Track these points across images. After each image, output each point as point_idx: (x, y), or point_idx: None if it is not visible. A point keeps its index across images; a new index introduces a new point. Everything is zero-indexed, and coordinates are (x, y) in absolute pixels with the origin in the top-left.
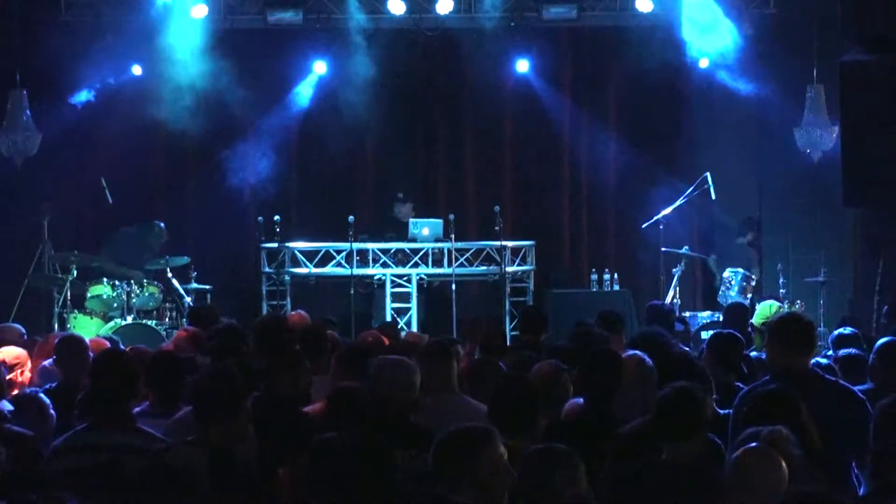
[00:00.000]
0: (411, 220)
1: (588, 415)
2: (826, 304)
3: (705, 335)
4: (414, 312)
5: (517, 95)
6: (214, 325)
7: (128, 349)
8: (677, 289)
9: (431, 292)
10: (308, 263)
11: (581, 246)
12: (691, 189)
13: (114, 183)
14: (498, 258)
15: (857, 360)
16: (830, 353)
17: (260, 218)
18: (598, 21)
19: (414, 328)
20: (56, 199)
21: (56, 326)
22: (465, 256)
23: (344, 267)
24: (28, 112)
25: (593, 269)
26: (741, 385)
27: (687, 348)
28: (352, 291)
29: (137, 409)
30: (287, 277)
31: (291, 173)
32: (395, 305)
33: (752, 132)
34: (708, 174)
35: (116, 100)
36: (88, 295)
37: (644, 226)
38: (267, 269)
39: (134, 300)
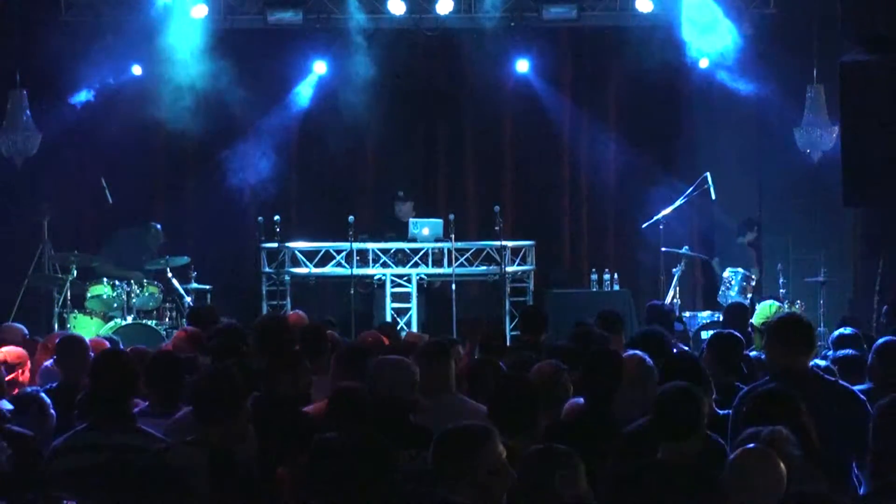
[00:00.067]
0: (411, 219)
1: (588, 415)
2: (826, 304)
3: (705, 335)
4: (414, 312)
5: (517, 95)
6: (214, 325)
7: (128, 349)
8: (677, 289)
9: (432, 293)
10: (308, 263)
11: (581, 246)
12: (691, 189)
13: (114, 183)
14: (498, 258)
15: (855, 361)
16: (831, 353)
17: (260, 218)
18: (598, 21)
19: (414, 328)
20: (56, 199)
21: (56, 326)
22: (465, 256)
23: (344, 267)
24: (28, 112)
25: (593, 269)
26: (741, 385)
27: (686, 348)
28: (352, 291)
29: (137, 409)
30: (287, 277)
31: (291, 173)
32: (395, 305)
33: (752, 132)
34: (708, 174)
35: (116, 100)
36: (88, 295)
37: (644, 226)
38: (267, 269)
39: (134, 300)
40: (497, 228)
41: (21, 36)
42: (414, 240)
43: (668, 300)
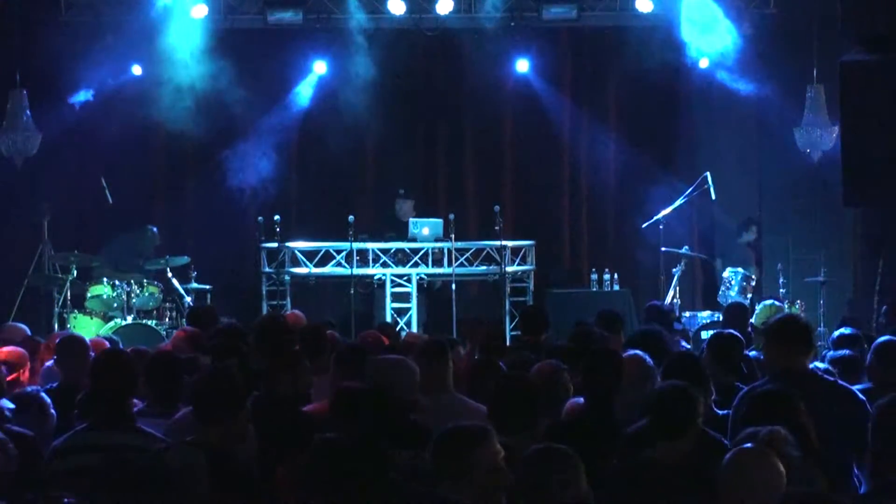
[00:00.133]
0: (411, 219)
1: (588, 415)
2: (826, 304)
3: (705, 335)
4: (414, 312)
5: (517, 95)
6: (214, 325)
7: (128, 349)
8: (677, 289)
9: (432, 293)
10: (308, 263)
11: (581, 246)
12: (691, 189)
13: (114, 183)
14: (498, 258)
15: (853, 361)
16: (831, 353)
17: (260, 218)
18: (598, 21)
19: (414, 328)
20: (56, 199)
21: (56, 326)
22: (465, 256)
23: (344, 267)
24: (28, 112)
25: (593, 269)
26: (741, 385)
27: (688, 346)
28: (352, 291)
29: (135, 409)
30: (287, 277)
31: (291, 173)
32: (395, 305)
33: (751, 132)
34: (708, 174)
35: (116, 100)
36: (88, 295)
37: (644, 226)
38: (267, 269)
39: (134, 300)
40: (497, 228)
41: (21, 36)
42: (414, 240)
43: (668, 300)
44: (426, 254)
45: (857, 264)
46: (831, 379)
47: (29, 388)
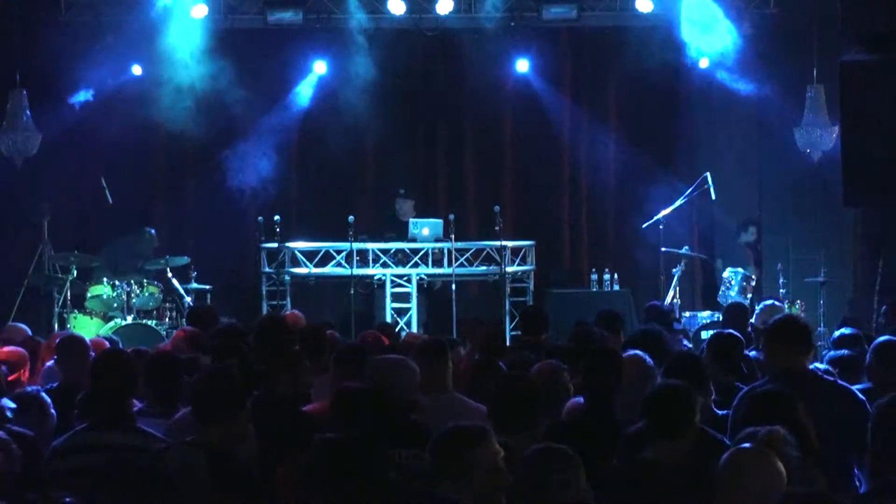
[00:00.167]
0: (411, 219)
1: (588, 415)
2: (826, 304)
3: (705, 335)
4: (414, 312)
5: (517, 95)
6: (214, 325)
7: (128, 349)
8: (677, 289)
9: (432, 293)
10: (308, 263)
11: (581, 246)
12: (691, 189)
13: (114, 183)
14: (498, 258)
15: (853, 361)
16: (832, 352)
17: (260, 218)
18: (598, 21)
19: (414, 328)
20: (56, 199)
21: (56, 326)
22: (465, 256)
23: (344, 267)
24: (28, 112)
25: (593, 269)
26: (741, 385)
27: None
28: (352, 291)
29: (135, 409)
30: (287, 277)
31: (291, 173)
32: (395, 305)
33: (751, 132)
34: (708, 174)
35: (116, 100)
36: (88, 295)
37: (644, 226)
38: (267, 269)
39: (134, 300)
40: (497, 228)
41: (21, 36)
42: (414, 240)
43: (668, 300)
44: (426, 254)
45: (857, 264)
46: (831, 379)
47: (29, 388)
